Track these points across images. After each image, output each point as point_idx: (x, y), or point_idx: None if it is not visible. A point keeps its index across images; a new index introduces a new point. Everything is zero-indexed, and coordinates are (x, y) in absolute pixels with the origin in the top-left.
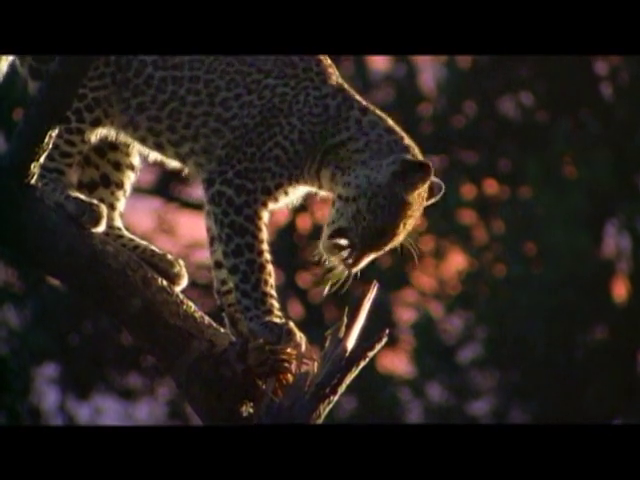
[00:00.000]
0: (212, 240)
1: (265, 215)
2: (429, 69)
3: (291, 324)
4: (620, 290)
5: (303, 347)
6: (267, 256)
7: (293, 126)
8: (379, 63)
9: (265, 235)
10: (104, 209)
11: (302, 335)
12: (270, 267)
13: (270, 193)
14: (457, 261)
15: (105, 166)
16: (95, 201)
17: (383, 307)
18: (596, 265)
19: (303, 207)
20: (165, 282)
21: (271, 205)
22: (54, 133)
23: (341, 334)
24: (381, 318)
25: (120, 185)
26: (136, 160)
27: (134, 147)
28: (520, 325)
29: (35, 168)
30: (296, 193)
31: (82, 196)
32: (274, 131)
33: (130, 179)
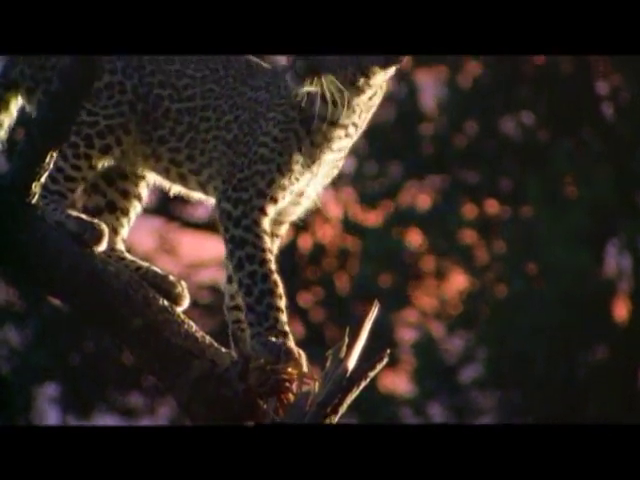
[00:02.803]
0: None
1: (265, 222)
2: (430, 88)
3: (290, 343)
4: (621, 310)
5: (304, 366)
6: (271, 265)
7: (269, 119)
8: None
9: (267, 243)
10: (105, 228)
11: (301, 352)
12: (275, 276)
13: (265, 195)
14: (458, 281)
15: (112, 194)
16: (96, 220)
17: (384, 327)
18: (597, 285)
19: (304, 227)
20: (166, 302)
21: (272, 208)
22: (55, 153)
23: (342, 354)
24: (382, 338)
25: (125, 212)
26: (144, 191)
27: (143, 178)
28: (521, 345)
29: (36, 188)
30: (300, 183)
31: (83, 215)
32: (256, 134)
33: (136, 209)
